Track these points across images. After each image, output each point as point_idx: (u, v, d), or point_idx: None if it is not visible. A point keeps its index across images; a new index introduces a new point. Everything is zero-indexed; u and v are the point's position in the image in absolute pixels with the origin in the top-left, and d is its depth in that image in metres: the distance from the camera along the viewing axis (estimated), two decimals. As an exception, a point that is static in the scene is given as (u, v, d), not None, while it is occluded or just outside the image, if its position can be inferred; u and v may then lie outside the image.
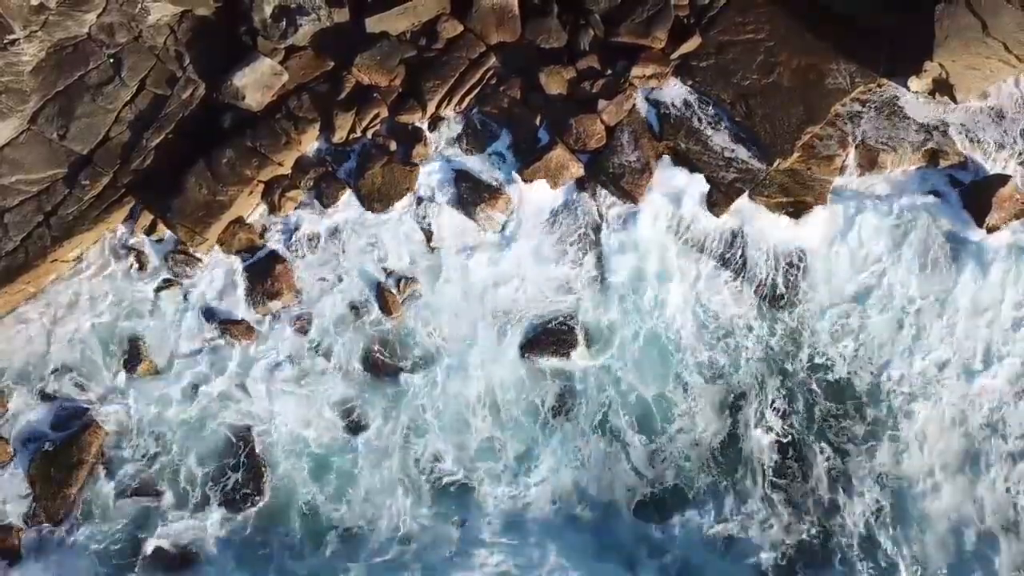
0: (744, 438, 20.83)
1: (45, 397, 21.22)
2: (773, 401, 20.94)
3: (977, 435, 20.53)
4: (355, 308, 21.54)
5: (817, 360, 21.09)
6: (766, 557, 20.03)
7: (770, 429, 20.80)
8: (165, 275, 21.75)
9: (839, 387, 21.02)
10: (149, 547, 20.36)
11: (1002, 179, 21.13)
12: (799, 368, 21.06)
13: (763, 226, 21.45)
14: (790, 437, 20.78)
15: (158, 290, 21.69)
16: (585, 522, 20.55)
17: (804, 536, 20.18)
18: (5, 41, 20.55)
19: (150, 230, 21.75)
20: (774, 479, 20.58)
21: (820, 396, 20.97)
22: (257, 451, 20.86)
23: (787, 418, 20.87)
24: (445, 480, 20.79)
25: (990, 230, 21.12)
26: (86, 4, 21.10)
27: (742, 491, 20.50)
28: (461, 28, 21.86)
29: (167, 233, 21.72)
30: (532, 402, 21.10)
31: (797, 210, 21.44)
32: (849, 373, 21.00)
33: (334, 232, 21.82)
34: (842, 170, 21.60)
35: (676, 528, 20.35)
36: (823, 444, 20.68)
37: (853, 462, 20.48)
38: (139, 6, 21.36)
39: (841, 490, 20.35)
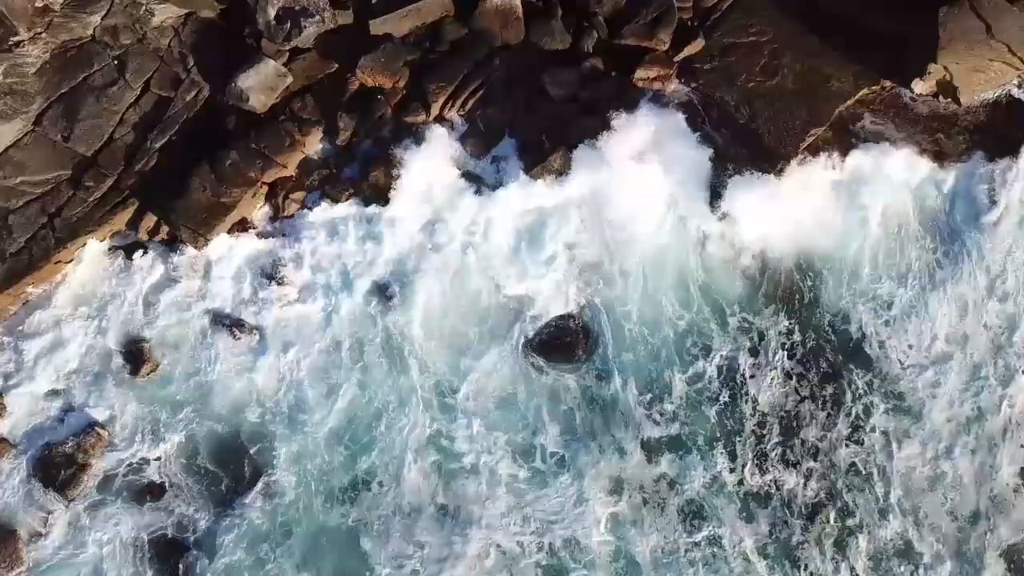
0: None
1: (48, 399, 21.25)
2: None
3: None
4: (359, 308, 21.58)
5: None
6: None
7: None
8: (169, 277, 21.73)
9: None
10: None
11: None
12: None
13: None
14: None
15: (161, 291, 21.70)
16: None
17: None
18: (10, 43, 20.54)
19: (154, 232, 21.74)
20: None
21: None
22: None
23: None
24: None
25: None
26: (90, 6, 21.11)
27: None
28: (465, 30, 21.87)
29: (171, 235, 21.67)
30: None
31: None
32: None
33: (338, 233, 21.82)
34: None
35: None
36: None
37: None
38: (143, 8, 21.36)
39: None
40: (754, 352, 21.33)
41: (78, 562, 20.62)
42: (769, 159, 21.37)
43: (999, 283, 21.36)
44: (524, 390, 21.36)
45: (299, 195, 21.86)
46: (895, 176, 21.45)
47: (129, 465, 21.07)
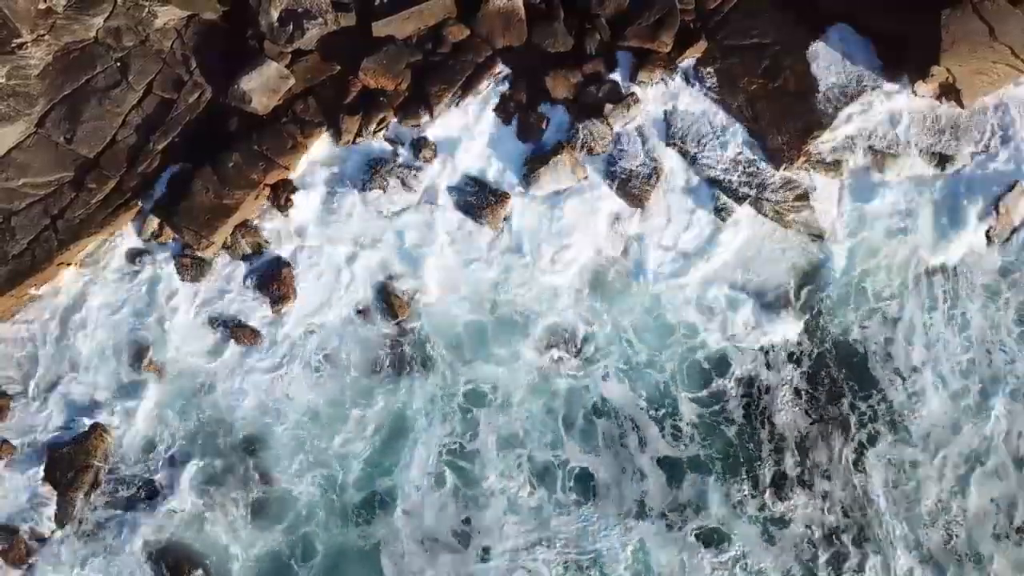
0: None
1: (52, 399, 21.28)
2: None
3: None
4: (361, 312, 21.57)
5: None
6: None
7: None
8: (171, 278, 21.73)
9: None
10: None
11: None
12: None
13: None
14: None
15: (164, 293, 21.68)
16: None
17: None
18: (13, 45, 20.57)
19: (156, 234, 21.76)
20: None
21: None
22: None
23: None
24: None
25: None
26: (93, 8, 21.13)
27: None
28: (467, 32, 21.84)
29: (173, 236, 21.68)
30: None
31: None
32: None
33: (340, 234, 21.78)
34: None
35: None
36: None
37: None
38: (146, 10, 21.38)
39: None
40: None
41: (80, 563, 20.65)
42: (773, 160, 21.40)
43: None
44: (542, 404, 21.36)
45: (301, 196, 21.86)
46: None
47: (131, 467, 21.10)
